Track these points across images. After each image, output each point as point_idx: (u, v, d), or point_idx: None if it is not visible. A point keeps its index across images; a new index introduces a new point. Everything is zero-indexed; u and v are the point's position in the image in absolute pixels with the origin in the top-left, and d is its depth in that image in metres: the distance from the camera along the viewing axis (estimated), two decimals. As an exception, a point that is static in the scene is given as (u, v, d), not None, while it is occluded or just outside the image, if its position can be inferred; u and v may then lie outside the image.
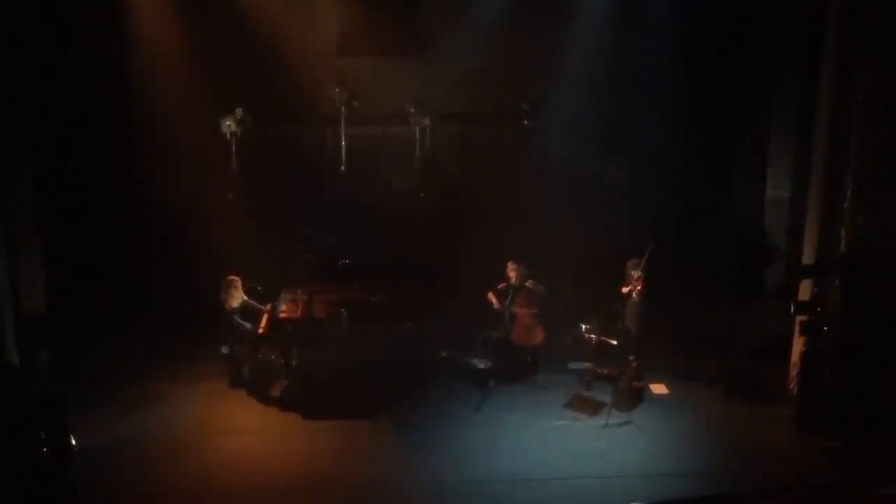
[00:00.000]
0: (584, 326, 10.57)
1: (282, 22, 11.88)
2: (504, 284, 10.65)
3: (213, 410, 9.77)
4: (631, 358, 10.11)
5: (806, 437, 9.13)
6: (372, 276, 10.60)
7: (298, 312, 10.11)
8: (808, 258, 9.74)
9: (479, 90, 12.33)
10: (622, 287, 10.27)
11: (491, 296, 10.68)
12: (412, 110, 12.25)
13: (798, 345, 9.71)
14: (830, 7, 9.34)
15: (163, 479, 8.21)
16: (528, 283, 10.56)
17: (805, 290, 9.60)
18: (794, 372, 9.80)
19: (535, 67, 12.43)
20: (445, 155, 12.60)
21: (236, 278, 10.31)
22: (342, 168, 12.13)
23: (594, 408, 9.71)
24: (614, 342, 10.35)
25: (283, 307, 10.28)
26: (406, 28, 12.57)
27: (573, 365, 10.84)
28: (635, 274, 10.05)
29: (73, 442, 7.98)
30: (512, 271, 10.58)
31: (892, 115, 9.02)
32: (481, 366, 10.90)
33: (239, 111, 11.71)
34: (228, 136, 11.82)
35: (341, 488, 8.14)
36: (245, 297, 10.39)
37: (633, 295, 10.14)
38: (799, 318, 9.47)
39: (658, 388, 10.30)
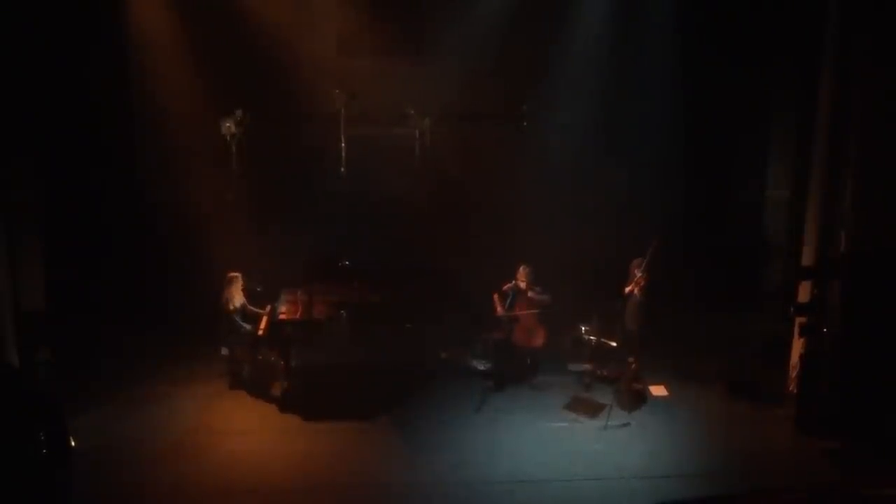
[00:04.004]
0: (583, 328, 10.59)
1: (282, 23, 11.90)
2: (509, 286, 10.64)
3: (212, 411, 9.77)
4: (630, 359, 10.12)
5: (805, 437, 9.13)
6: (372, 277, 10.60)
7: (298, 313, 10.11)
8: (807, 259, 9.73)
9: (478, 91, 12.33)
10: (625, 287, 10.31)
11: (496, 298, 10.66)
12: (412, 111, 12.25)
13: (797, 346, 9.70)
14: (830, 8, 9.35)
15: (162, 479, 8.20)
16: (531, 294, 10.55)
17: (805, 291, 9.60)
18: (793, 373, 9.79)
19: (536, 69, 12.44)
20: (445, 156, 12.60)
21: (238, 275, 10.36)
22: (342, 169, 12.12)
23: (594, 409, 9.71)
24: (614, 344, 10.36)
25: (283, 308, 10.29)
26: (406, 29, 12.58)
27: (573, 366, 10.85)
28: (639, 273, 10.11)
29: (73, 442, 7.96)
30: (523, 275, 10.56)
31: (892, 115, 9.03)
32: (481, 367, 10.93)
33: (238, 112, 11.71)
34: (228, 138, 11.81)
35: (341, 489, 8.13)
36: (244, 300, 10.43)
37: (636, 292, 10.19)
38: (798, 320, 9.47)
39: (658, 390, 10.29)
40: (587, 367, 10.51)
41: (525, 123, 12.64)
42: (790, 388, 9.84)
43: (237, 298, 10.37)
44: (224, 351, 10.48)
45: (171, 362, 10.97)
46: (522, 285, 10.56)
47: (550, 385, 10.47)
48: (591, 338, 10.46)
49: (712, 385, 10.45)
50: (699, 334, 11.63)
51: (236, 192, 12.06)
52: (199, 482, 8.17)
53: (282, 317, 10.14)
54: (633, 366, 10.09)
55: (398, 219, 12.25)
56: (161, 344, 11.22)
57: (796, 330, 9.59)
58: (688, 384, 10.52)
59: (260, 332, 10.25)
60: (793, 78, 11.71)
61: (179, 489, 8.06)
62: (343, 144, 12.07)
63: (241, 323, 10.39)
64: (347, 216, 12.16)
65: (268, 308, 10.50)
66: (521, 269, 10.59)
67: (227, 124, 11.74)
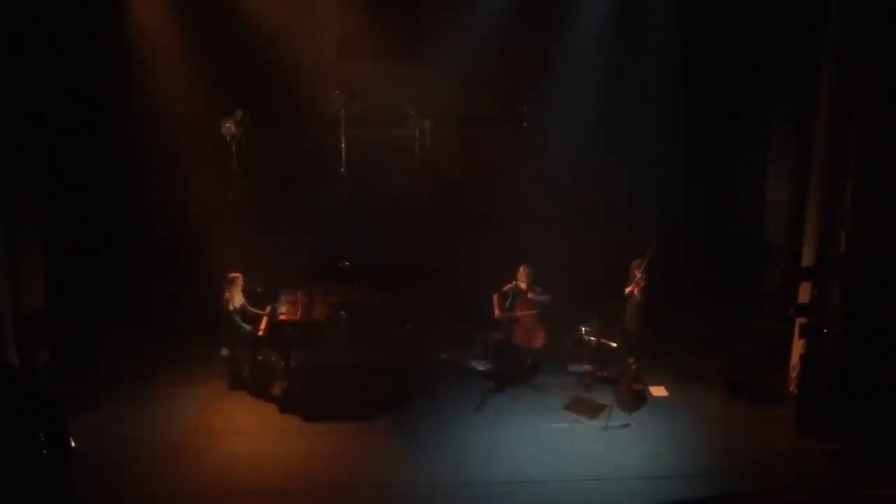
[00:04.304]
0: (583, 329, 10.58)
1: (282, 24, 11.90)
2: (509, 286, 10.64)
3: (212, 412, 9.77)
4: (630, 360, 10.12)
5: (805, 438, 9.13)
6: (371, 277, 10.60)
7: (298, 314, 10.11)
8: (807, 259, 9.74)
9: (478, 92, 12.34)
10: (625, 287, 10.31)
11: (496, 299, 10.66)
12: (412, 112, 12.25)
13: (797, 346, 9.71)
14: (830, 8, 9.35)
15: (162, 480, 8.19)
16: (531, 295, 10.54)
17: (805, 292, 9.60)
18: (793, 373, 9.80)
19: (535, 70, 12.44)
20: (445, 157, 12.60)
21: (238, 275, 10.37)
22: (342, 170, 12.12)
23: (594, 410, 9.70)
24: (614, 344, 10.36)
25: (283, 309, 10.30)
26: (406, 30, 12.58)
27: (573, 367, 10.85)
28: (639, 273, 10.12)
29: (73, 442, 7.96)
30: (523, 275, 10.55)
31: (892, 115, 9.03)
32: (481, 367, 10.92)
33: (238, 113, 11.71)
34: (228, 138, 11.82)
35: (341, 490, 8.12)
36: (244, 300, 10.44)
37: (636, 293, 10.19)
38: (798, 320, 9.47)
39: (658, 391, 10.29)
40: (587, 367, 10.51)
41: (525, 124, 12.64)
42: (790, 388, 9.85)
43: (237, 299, 10.38)
44: (224, 351, 10.49)
45: (171, 363, 10.97)
46: (522, 286, 10.56)
47: (550, 386, 10.47)
48: (592, 338, 10.45)
49: (712, 385, 10.45)
50: (699, 334, 11.63)
51: (236, 192, 12.06)
52: (198, 483, 8.17)
53: (282, 317, 10.14)
54: (633, 366, 10.09)
55: (398, 219, 12.26)
56: (161, 344, 11.22)
57: (796, 330, 9.61)
58: (688, 384, 10.52)
59: (260, 333, 10.24)
60: (793, 78, 11.71)
61: (179, 490, 8.05)
62: (343, 145, 12.07)
63: (241, 323, 10.39)
64: (347, 217, 12.16)
65: (268, 309, 10.50)
66: (521, 269, 10.59)
67: (227, 125, 11.72)
